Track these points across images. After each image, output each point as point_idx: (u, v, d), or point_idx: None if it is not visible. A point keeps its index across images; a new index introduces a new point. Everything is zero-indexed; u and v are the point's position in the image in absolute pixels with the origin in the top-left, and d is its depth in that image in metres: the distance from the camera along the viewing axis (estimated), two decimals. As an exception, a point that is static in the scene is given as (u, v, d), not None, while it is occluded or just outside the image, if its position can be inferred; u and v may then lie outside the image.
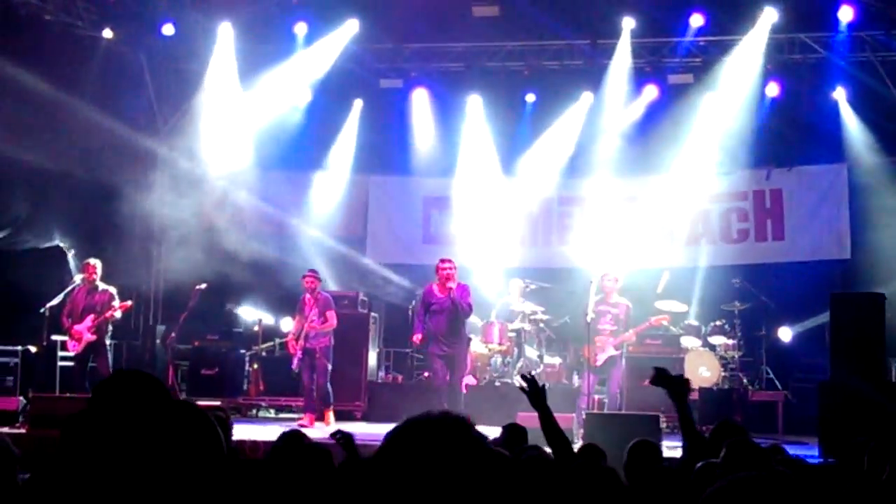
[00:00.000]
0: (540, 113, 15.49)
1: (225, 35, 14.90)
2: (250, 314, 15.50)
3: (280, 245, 15.25)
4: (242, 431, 10.00)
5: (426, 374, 13.59)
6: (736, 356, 13.38)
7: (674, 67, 14.80)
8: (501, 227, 15.71)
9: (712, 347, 13.33)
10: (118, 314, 12.06)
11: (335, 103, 15.61)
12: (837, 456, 5.21)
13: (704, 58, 14.66)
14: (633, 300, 12.15)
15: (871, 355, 10.13)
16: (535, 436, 5.82)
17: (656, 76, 14.88)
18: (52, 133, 13.23)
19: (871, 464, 5.03)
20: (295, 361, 12.07)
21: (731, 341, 13.45)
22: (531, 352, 13.94)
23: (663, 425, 10.25)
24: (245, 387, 14.41)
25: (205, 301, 13.58)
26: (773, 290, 13.86)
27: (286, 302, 14.64)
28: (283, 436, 4.91)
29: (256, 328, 15.03)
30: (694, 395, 11.22)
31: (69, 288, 12.06)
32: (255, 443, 9.32)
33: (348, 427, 11.83)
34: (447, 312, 11.31)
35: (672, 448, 8.06)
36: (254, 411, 14.00)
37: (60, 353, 12.34)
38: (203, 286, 13.11)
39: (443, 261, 11.54)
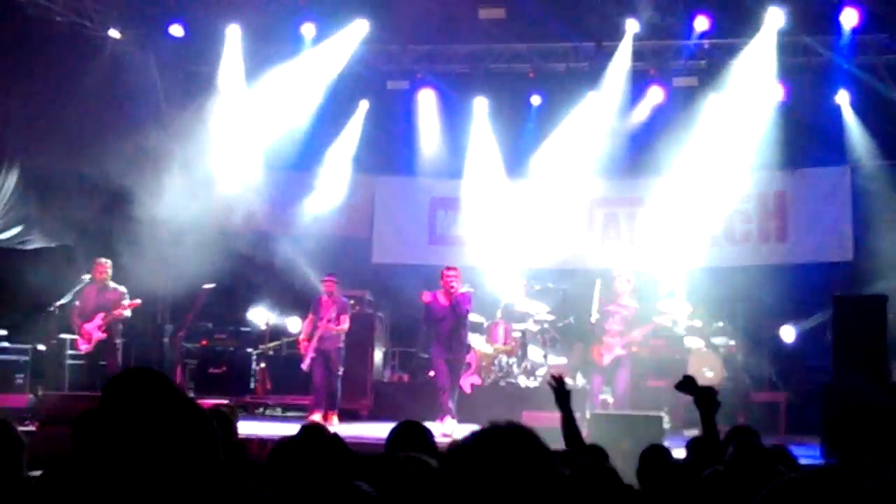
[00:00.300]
0: (545, 115, 15.55)
1: (233, 36, 15.00)
2: (258, 314, 15.59)
3: (286, 245, 15.32)
4: (249, 429, 10.12)
5: (431, 373, 13.69)
6: (739, 357, 13.43)
7: (678, 70, 14.86)
8: (510, 228, 15.74)
9: (715, 348, 13.39)
10: (127, 313, 12.16)
11: (342, 105, 15.68)
12: (841, 457, 5.26)
13: (709, 60, 14.72)
14: (638, 301, 12.21)
15: (874, 357, 10.18)
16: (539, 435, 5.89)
17: (661, 79, 14.93)
18: (60, 133, 13.32)
19: (875, 465, 5.09)
20: (307, 361, 12.18)
21: (733, 342, 13.51)
22: (536, 352, 14.01)
23: (667, 425, 10.31)
24: (252, 385, 14.52)
25: (212, 300, 13.68)
26: (776, 292, 13.90)
27: (294, 302, 14.74)
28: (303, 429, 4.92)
29: (264, 327, 15.13)
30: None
31: (79, 287, 12.15)
32: (262, 440, 9.40)
33: (353, 426, 12.01)
34: (450, 319, 11.55)
35: (674, 449, 8.10)
36: (261, 409, 14.09)
37: (70, 352, 12.43)
38: (210, 286, 13.20)
39: (448, 269, 11.70)
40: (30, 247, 13.62)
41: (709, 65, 14.75)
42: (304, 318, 12.80)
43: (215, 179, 15.01)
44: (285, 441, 3.25)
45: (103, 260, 12.24)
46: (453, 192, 16.03)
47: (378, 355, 14.38)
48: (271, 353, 14.80)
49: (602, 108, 15.04)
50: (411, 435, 4.27)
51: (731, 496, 4.05)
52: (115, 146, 13.41)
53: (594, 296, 11.64)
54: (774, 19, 13.79)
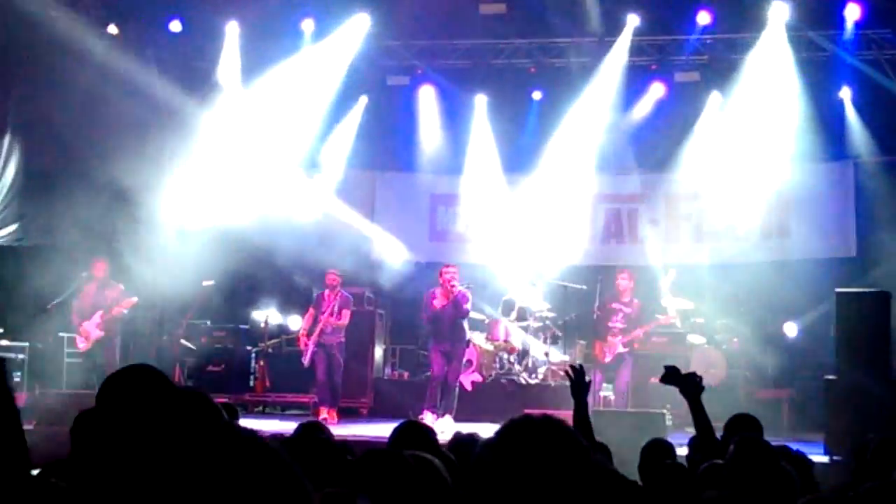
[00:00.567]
0: (547, 111, 15.48)
1: (232, 32, 14.93)
2: (261, 312, 15.53)
3: (285, 242, 15.25)
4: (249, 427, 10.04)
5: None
6: (742, 354, 13.39)
7: (680, 65, 14.80)
8: (511, 225, 15.65)
9: (718, 345, 13.34)
10: (126, 311, 12.11)
11: (342, 100, 15.61)
12: (844, 454, 5.22)
13: (711, 55, 14.66)
14: (640, 297, 12.17)
15: (877, 353, 10.13)
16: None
17: (663, 74, 14.88)
18: (57, 128, 13.26)
19: (877, 461, 5.04)
20: (308, 356, 12.14)
21: (736, 339, 13.46)
22: (537, 349, 13.96)
23: (669, 422, 10.28)
24: (251, 383, 14.46)
25: (212, 298, 13.62)
26: (779, 288, 13.84)
27: (293, 300, 14.69)
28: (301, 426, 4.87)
29: (263, 325, 15.07)
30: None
31: (77, 285, 12.10)
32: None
33: (353, 425, 11.97)
34: (448, 316, 11.61)
35: (678, 446, 8.05)
36: (260, 407, 14.05)
37: (68, 350, 12.39)
38: (210, 283, 13.15)
39: (447, 266, 11.71)
40: (27, 244, 13.57)
41: (711, 60, 14.70)
42: (303, 315, 12.75)
43: (215, 176, 14.94)
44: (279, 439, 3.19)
45: (101, 258, 12.18)
46: (454, 189, 15.97)
47: (378, 353, 14.34)
48: (271, 350, 14.74)
49: (603, 104, 14.97)
50: (414, 435, 4.20)
51: (730, 494, 4.00)
52: (113, 143, 13.34)
53: (597, 292, 11.59)
54: (779, 14, 13.73)
